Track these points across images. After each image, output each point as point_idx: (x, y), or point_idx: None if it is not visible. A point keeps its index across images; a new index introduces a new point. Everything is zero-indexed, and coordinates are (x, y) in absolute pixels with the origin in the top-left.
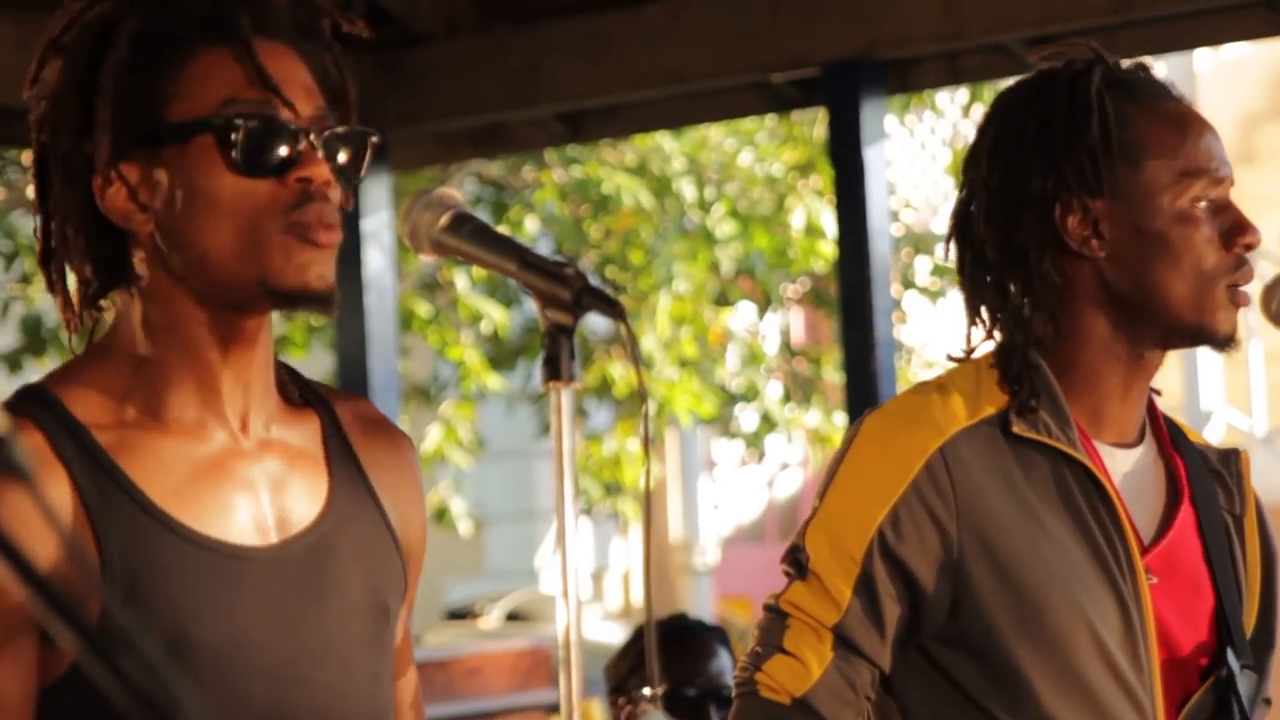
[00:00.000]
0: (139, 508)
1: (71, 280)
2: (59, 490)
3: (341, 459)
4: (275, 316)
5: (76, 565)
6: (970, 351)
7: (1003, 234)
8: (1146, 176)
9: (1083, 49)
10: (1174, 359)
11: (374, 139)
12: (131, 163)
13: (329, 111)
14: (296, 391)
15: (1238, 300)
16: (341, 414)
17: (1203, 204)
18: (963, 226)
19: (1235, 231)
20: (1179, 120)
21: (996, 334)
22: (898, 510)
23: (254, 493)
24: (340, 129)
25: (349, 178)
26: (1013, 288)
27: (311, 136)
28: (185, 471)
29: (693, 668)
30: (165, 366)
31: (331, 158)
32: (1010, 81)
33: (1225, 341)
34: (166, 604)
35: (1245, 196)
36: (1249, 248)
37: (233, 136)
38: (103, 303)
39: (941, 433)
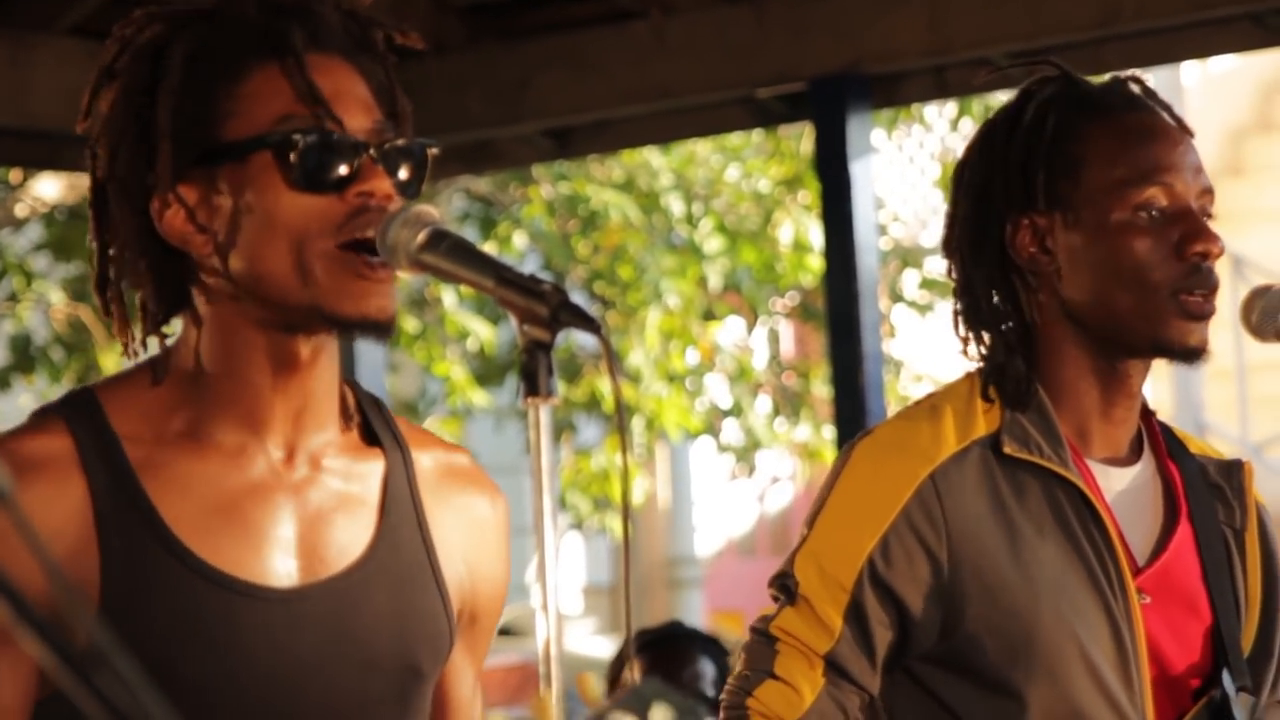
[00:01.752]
0: (149, 529)
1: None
2: (72, 498)
3: (399, 508)
4: None
5: (55, 583)
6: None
7: (969, 251)
8: (1086, 189)
9: (1047, 67)
10: (1163, 370)
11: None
12: (189, 184)
13: (387, 124)
14: (366, 430)
15: (1190, 310)
16: (420, 460)
17: (1149, 213)
18: (944, 242)
19: (1187, 239)
20: (1126, 129)
21: (981, 348)
22: (888, 539)
23: (283, 529)
24: (400, 142)
25: (410, 191)
26: (987, 303)
27: (371, 151)
28: (212, 498)
29: (668, 673)
30: (215, 390)
31: (392, 171)
32: (997, 95)
33: (1186, 354)
34: (155, 632)
35: (1232, 209)
36: (1203, 256)
37: (291, 153)
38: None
39: (931, 460)
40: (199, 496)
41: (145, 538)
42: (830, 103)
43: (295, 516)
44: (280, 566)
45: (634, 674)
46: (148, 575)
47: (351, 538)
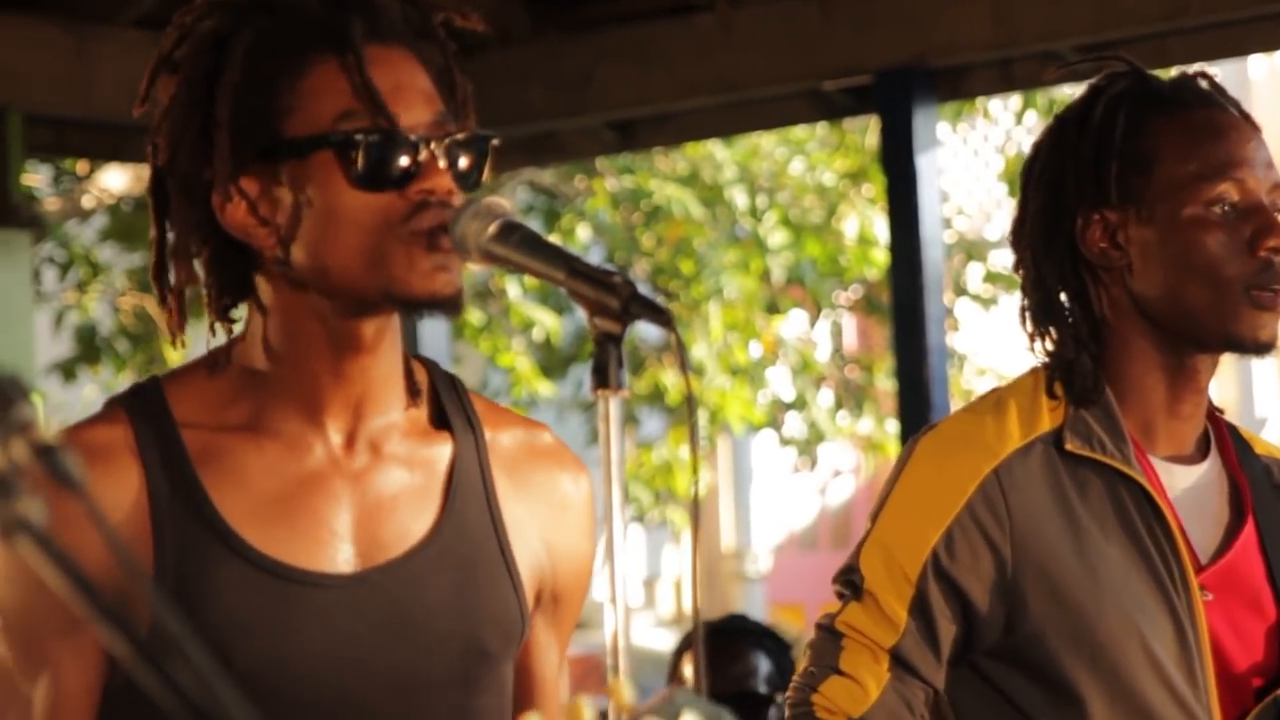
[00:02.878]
0: (202, 519)
1: (182, 293)
2: (127, 488)
3: (467, 491)
4: None
5: (129, 573)
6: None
7: (1039, 246)
8: (1158, 184)
9: (1115, 63)
10: (1227, 365)
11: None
12: (251, 177)
13: (447, 115)
14: (438, 411)
15: (1264, 304)
16: (497, 440)
17: (1222, 208)
18: (1013, 237)
19: (1260, 234)
20: (1198, 125)
21: (1049, 343)
22: (952, 532)
23: (341, 516)
24: (460, 135)
25: (470, 183)
26: (1057, 298)
27: (432, 145)
28: (269, 487)
29: (718, 667)
30: (276, 379)
31: (453, 165)
32: (1062, 89)
33: (1257, 348)
34: (210, 622)
35: None
36: (1276, 251)
37: (352, 152)
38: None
39: (995, 455)
40: (256, 486)
41: (199, 527)
42: (896, 96)
43: (354, 503)
44: (338, 554)
45: (699, 666)
46: (200, 564)
47: (413, 522)
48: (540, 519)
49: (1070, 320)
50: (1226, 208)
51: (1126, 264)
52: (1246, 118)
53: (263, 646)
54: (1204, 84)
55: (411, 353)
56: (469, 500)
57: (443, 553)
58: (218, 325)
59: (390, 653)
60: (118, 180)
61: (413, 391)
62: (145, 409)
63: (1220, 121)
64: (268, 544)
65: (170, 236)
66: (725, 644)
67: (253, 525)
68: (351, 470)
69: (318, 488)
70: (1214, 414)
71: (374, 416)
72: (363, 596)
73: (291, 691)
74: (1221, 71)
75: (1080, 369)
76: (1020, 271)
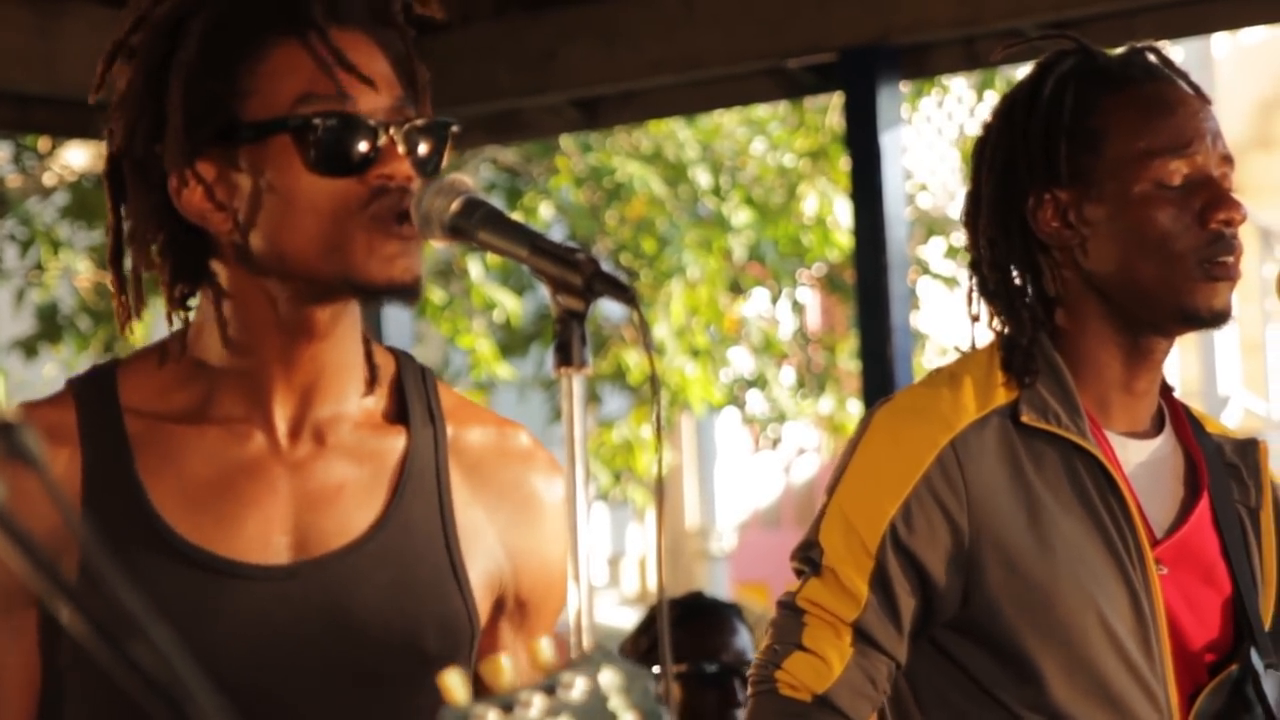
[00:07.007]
0: (132, 505)
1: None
2: (62, 471)
3: (417, 486)
4: None
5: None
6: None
7: (993, 229)
8: (1108, 162)
9: (1062, 41)
10: (1190, 344)
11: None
12: (208, 161)
13: (406, 101)
14: (398, 405)
15: (1216, 275)
16: (463, 437)
17: (1173, 183)
18: (966, 217)
19: (1210, 207)
20: (1146, 100)
21: (998, 323)
22: (909, 504)
23: (277, 506)
24: (420, 121)
25: (429, 169)
26: (1011, 279)
27: (391, 131)
28: (205, 473)
29: (717, 643)
30: (226, 365)
31: (412, 150)
32: (1027, 67)
33: (1211, 320)
34: None
35: (1261, 182)
36: (1227, 223)
37: (311, 136)
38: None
39: (951, 427)
40: (191, 473)
41: (126, 514)
42: (860, 73)
43: (293, 493)
44: (271, 544)
45: (664, 641)
46: (123, 551)
47: (356, 516)
48: (503, 522)
49: (1025, 300)
50: (1177, 183)
51: (1079, 243)
52: (1196, 90)
53: (184, 636)
54: (1151, 58)
55: (374, 332)
56: (418, 496)
57: (384, 548)
58: (174, 314)
59: (319, 648)
60: (79, 157)
61: (372, 384)
62: (94, 393)
63: (1168, 96)
64: (197, 533)
65: (126, 223)
66: (717, 617)
67: (184, 513)
68: (293, 459)
69: (255, 476)
70: (1167, 392)
71: (323, 405)
72: (293, 589)
73: (217, 680)
74: (1185, 50)
75: (1035, 347)
76: (973, 252)
